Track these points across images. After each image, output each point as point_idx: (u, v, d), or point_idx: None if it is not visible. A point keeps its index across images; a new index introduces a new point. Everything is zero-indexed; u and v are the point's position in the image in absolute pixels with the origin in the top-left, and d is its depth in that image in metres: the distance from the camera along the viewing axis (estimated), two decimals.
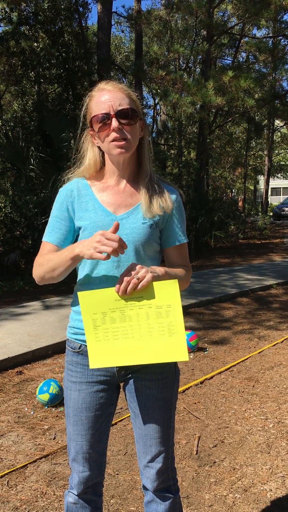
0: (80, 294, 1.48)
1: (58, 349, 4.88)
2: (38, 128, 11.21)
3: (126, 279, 1.42)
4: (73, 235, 1.65)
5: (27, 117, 12.46)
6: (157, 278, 1.45)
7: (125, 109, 1.51)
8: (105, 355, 1.49)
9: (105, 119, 1.51)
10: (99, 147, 1.63)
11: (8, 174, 11.47)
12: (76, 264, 1.55)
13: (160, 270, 1.50)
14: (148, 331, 1.45)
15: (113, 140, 1.52)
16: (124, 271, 1.45)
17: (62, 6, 13.46)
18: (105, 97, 1.52)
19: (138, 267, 1.43)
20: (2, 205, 10.37)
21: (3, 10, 13.34)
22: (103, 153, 1.65)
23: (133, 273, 1.43)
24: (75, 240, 1.65)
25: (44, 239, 1.65)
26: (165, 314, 1.44)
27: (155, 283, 1.45)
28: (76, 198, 1.62)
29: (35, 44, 13.82)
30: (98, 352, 1.49)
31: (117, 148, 1.53)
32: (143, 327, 1.46)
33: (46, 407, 3.59)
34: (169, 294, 1.43)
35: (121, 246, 1.40)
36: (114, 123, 1.50)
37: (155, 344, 1.46)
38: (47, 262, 1.59)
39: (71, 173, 1.69)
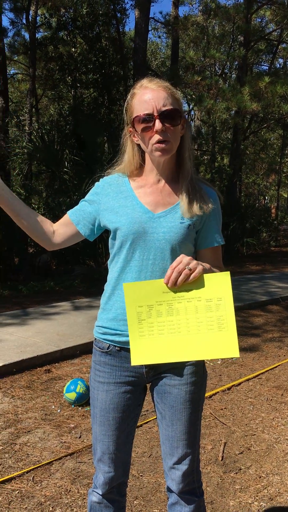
0: (126, 285, 1.43)
1: (86, 349, 4.91)
2: (73, 132, 11.37)
3: (177, 269, 1.38)
4: (94, 223, 1.65)
5: (62, 121, 12.65)
6: (205, 272, 1.43)
7: (168, 110, 1.48)
8: (148, 351, 1.42)
9: (148, 120, 1.49)
10: (138, 145, 1.62)
11: (43, 176, 11.67)
12: (4, 207, 1.58)
13: (206, 265, 1.48)
14: (197, 325, 1.39)
15: (156, 143, 1.50)
16: (173, 262, 1.41)
17: (100, 12, 13.64)
18: (148, 96, 1.49)
19: (188, 258, 1.40)
20: (36, 206, 10.56)
21: (43, 16, 13.61)
22: (142, 150, 1.63)
23: (183, 264, 1.39)
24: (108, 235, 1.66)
25: (68, 211, 1.71)
26: (215, 308, 1.38)
27: (205, 275, 1.39)
28: (113, 192, 1.62)
29: (73, 49, 14.04)
30: (141, 348, 1.42)
31: (158, 151, 1.51)
32: (191, 322, 1.39)
33: (72, 405, 3.62)
34: (220, 286, 1.38)
35: None
36: (158, 125, 1.47)
37: (203, 340, 1.38)
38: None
39: (112, 169, 1.69)
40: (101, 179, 1.68)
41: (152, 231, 1.54)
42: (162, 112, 1.48)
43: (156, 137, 1.49)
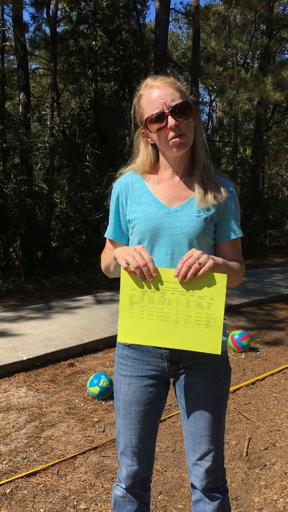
0: (124, 270, 1.46)
1: (109, 343, 4.93)
2: (94, 126, 11.36)
3: (187, 263, 1.39)
4: (127, 229, 1.65)
5: (84, 114, 12.64)
6: (216, 266, 1.43)
7: (178, 104, 1.48)
8: (135, 331, 1.47)
9: (160, 118, 1.48)
10: (152, 145, 1.62)
11: (65, 170, 11.71)
12: None
13: (219, 259, 1.48)
14: (185, 318, 1.43)
15: (172, 138, 1.50)
16: (184, 256, 1.41)
17: (121, 4, 13.55)
18: (156, 95, 1.49)
19: (199, 252, 1.40)
20: (58, 200, 10.61)
21: (63, 10, 13.60)
22: (156, 149, 1.64)
23: (194, 258, 1.39)
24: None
25: (105, 234, 1.71)
26: (206, 306, 1.42)
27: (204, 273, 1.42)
28: (130, 191, 1.62)
29: (93, 42, 14.00)
30: (129, 327, 1.47)
31: (175, 147, 1.51)
32: (180, 314, 1.44)
33: (96, 399, 3.63)
34: (215, 287, 1.41)
35: (149, 269, 1.40)
36: (171, 121, 1.48)
37: (189, 332, 1.44)
38: (104, 260, 1.69)
39: (124, 168, 1.69)
40: (115, 184, 1.68)
41: (169, 226, 1.54)
42: (172, 108, 1.48)
43: (171, 133, 1.49)
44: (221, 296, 1.41)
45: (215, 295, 1.41)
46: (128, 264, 1.43)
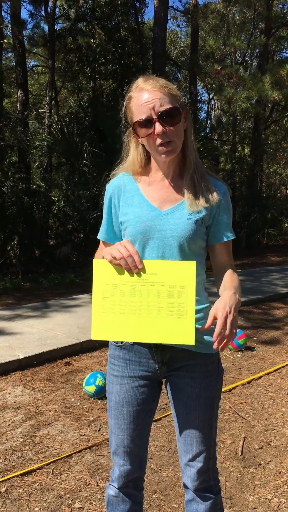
0: (96, 262, 1.47)
1: (105, 342, 4.92)
2: (92, 124, 11.35)
3: (229, 336, 1.36)
4: (119, 230, 1.65)
5: (82, 112, 12.63)
6: (238, 305, 1.42)
7: (167, 109, 1.46)
8: (108, 327, 1.47)
9: (148, 124, 1.47)
10: (143, 145, 1.60)
11: (63, 169, 11.70)
12: None
13: (233, 290, 1.47)
14: (157, 309, 1.44)
15: (160, 145, 1.49)
16: (222, 315, 1.36)
17: (119, 2, 13.52)
18: (145, 99, 1.47)
19: (225, 311, 1.37)
20: (56, 199, 10.60)
21: (61, 7, 13.57)
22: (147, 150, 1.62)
23: (232, 323, 1.37)
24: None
25: (98, 236, 1.71)
26: (176, 295, 1.42)
27: (172, 262, 1.44)
28: (122, 193, 1.61)
29: (92, 40, 13.97)
30: (102, 323, 1.47)
31: (163, 154, 1.50)
32: (152, 305, 1.44)
33: (92, 398, 3.64)
34: (184, 275, 1.41)
35: (133, 260, 1.42)
36: (158, 127, 1.46)
37: (162, 324, 1.44)
38: None
39: (117, 170, 1.69)
40: (107, 185, 1.67)
41: (160, 229, 1.53)
42: (160, 114, 1.46)
43: (159, 140, 1.48)
44: (191, 284, 1.41)
45: (185, 283, 1.41)
46: (114, 258, 1.44)
